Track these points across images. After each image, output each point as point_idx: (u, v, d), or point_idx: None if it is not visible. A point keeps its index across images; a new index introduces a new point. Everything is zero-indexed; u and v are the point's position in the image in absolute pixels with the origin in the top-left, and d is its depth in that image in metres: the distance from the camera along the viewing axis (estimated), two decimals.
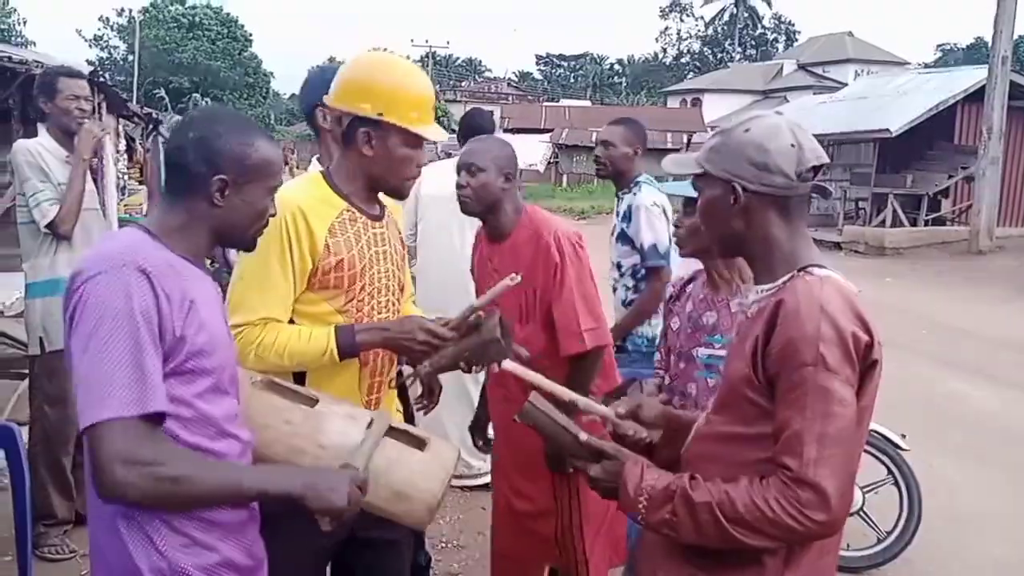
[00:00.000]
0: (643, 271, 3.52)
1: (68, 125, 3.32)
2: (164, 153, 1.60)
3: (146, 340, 1.36)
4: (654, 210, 3.50)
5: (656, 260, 3.46)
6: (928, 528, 3.84)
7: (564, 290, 2.48)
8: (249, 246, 1.65)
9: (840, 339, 1.36)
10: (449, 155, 13.22)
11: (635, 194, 3.56)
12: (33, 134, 3.45)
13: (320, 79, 2.36)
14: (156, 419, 1.37)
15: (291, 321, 2.05)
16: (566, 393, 1.80)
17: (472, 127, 3.94)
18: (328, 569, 2.35)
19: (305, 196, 2.04)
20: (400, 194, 2.18)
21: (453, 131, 2.15)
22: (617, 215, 3.65)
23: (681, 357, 2.31)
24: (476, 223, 2.79)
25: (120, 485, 1.32)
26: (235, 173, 1.52)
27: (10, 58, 6.31)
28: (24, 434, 2.31)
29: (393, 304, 2.18)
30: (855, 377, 1.39)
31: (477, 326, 1.97)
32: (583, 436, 1.59)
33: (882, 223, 16.31)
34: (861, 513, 3.74)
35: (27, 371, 4.79)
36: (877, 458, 3.78)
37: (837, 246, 15.64)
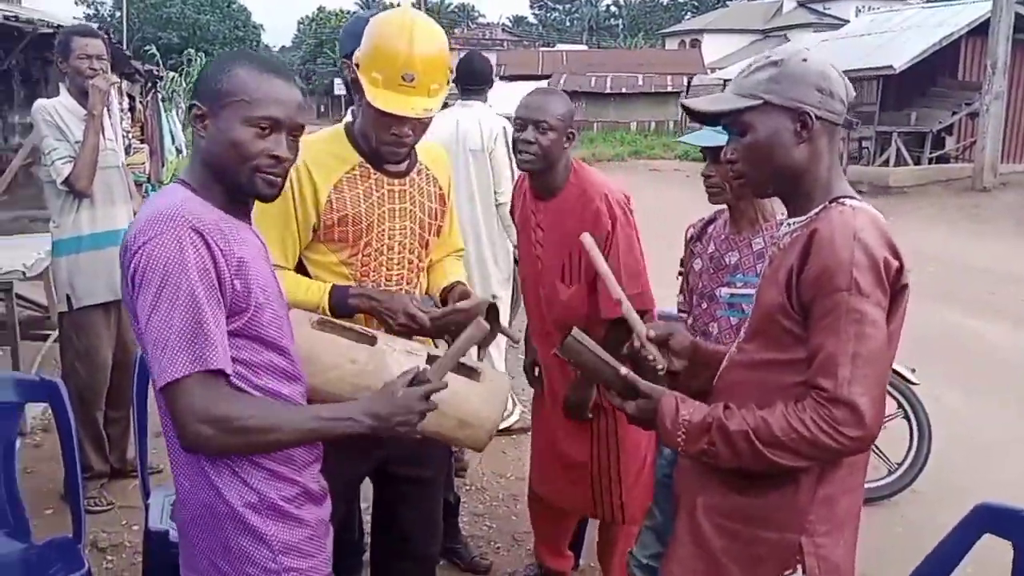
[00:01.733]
0: None
1: (80, 84, 3.36)
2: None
3: (205, 298, 1.39)
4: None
5: None
6: (938, 460, 3.93)
7: (611, 256, 2.43)
8: (249, 189, 1.49)
9: (872, 264, 1.41)
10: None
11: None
12: (35, 95, 3.46)
13: (350, 32, 2.30)
14: (225, 374, 1.41)
15: (301, 267, 2.12)
16: (616, 290, 1.83)
17: (470, 72, 3.80)
18: (367, 508, 2.45)
19: (315, 150, 2.04)
20: (379, 159, 2.09)
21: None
22: None
23: (704, 297, 2.34)
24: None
25: (200, 439, 1.39)
26: (209, 101, 1.47)
27: (16, 17, 6.18)
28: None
29: (411, 261, 2.18)
30: (886, 301, 1.44)
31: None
32: (623, 370, 1.63)
33: (886, 162, 16.21)
34: (872, 445, 3.83)
35: (46, 332, 4.90)
36: (888, 392, 3.84)
37: None
